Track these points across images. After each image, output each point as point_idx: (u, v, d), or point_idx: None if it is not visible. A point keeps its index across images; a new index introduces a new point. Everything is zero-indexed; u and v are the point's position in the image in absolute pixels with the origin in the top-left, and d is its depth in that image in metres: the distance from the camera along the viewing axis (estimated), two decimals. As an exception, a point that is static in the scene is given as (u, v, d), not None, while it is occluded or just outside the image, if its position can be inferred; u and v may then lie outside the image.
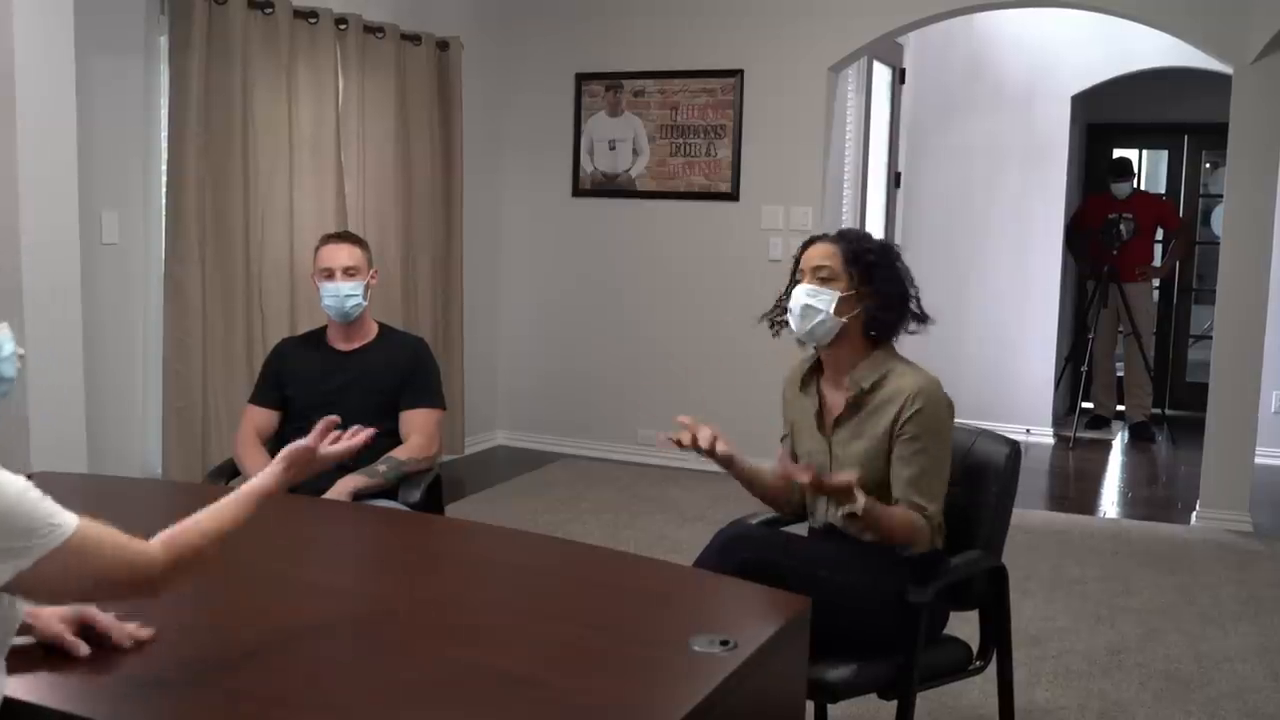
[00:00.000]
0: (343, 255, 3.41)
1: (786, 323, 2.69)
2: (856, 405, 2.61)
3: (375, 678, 1.73)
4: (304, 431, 3.34)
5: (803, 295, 2.61)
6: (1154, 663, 3.77)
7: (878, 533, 2.51)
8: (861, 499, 2.43)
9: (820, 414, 2.68)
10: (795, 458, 2.77)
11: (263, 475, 1.85)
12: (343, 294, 3.37)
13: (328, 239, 3.54)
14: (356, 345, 3.45)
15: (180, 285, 4.53)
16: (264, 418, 3.42)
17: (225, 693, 1.68)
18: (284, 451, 1.91)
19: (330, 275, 3.39)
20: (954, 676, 2.67)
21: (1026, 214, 7.45)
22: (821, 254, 2.63)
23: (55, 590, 1.57)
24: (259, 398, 3.47)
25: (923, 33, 6.85)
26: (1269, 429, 6.37)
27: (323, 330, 3.53)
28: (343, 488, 3.15)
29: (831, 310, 2.58)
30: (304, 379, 3.41)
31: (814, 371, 2.73)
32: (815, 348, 2.69)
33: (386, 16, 5.54)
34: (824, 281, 2.60)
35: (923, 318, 2.68)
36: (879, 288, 2.60)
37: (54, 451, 3.68)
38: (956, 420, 2.63)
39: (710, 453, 2.53)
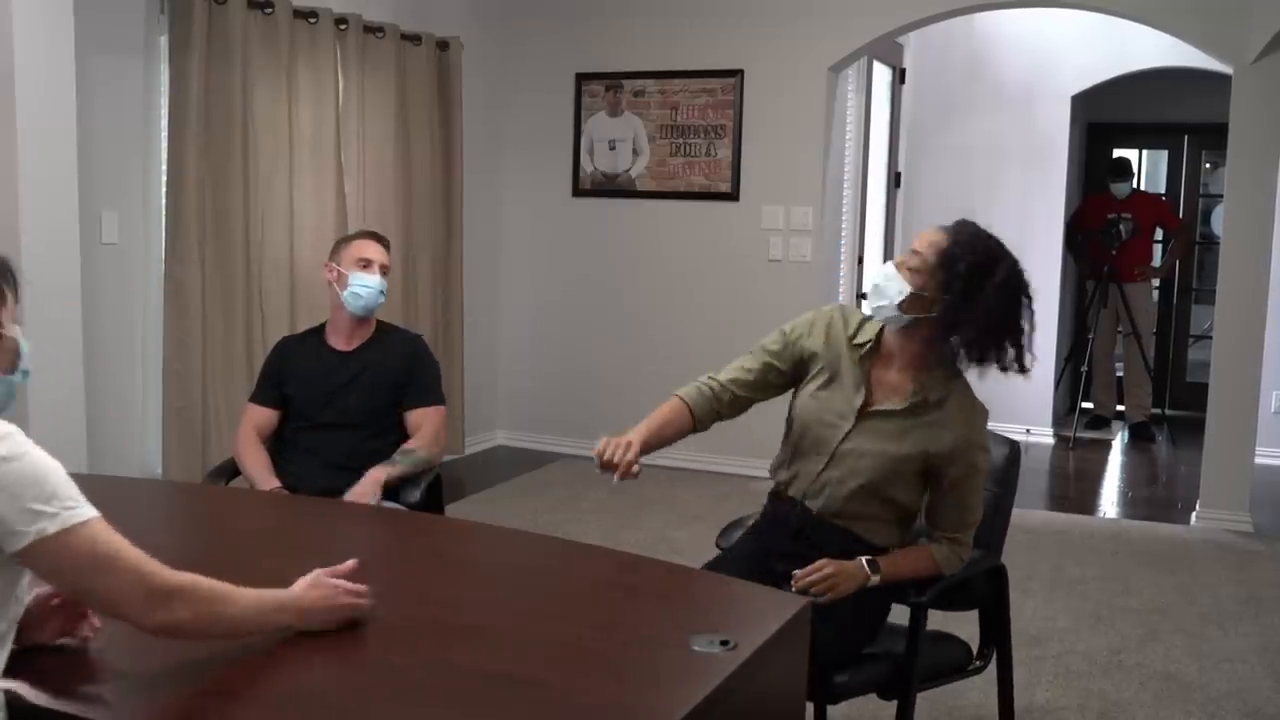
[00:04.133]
0: (378, 251, 3.42)
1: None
2: (915, 411, 2.43)
3: (375, 678, 1.73)
4: (304, 431, 3.36)
5: (879, 273, 2.44)
6: (1154, 663, 3.77)
7: (902, 579, 2.48)
8: (875, 577, 2.40)
9: (868, 392, 2.48)
10: (791, 401, 2.58)
11: (292, 593, 1.81)
12: (375, 286, 3.36)
13: (362, 233, 3.55)
14: (356, 344, 3.44)
15: (180, 285, 4.53)
16: (264, 416, 3.41)
17: (224, 693, 1.68)
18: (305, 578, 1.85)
19: (367, 265, 3.37)
20: (954, 676, 2.67)
21: (1026, 214, 7.43)
22: (925, 240, 2.43)
23: (61, 569, 1.59)
24: (259, 396, 3.46)
25: (923, 33, 6.85)
26: (1269, 429, 6.37)
27: (321, 329, 3.52)
28: (374, 478, 3.15)
29: (895, 302, 2.39)
30: (303, 378, 3.40)
31: (874, 349, 2.50)
32: (884, 327, 2.49)
33: (386, 16, 5.54)
34: (910, 270, 2.39)
35: (1019, 364, 2.39)
36: (963, 304, 2.33)
37: (54, 451, 3.62)
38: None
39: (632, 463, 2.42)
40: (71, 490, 1.60)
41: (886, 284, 2.41)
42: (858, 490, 2.48)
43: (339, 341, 3.44)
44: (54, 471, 1.60)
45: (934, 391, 2.44)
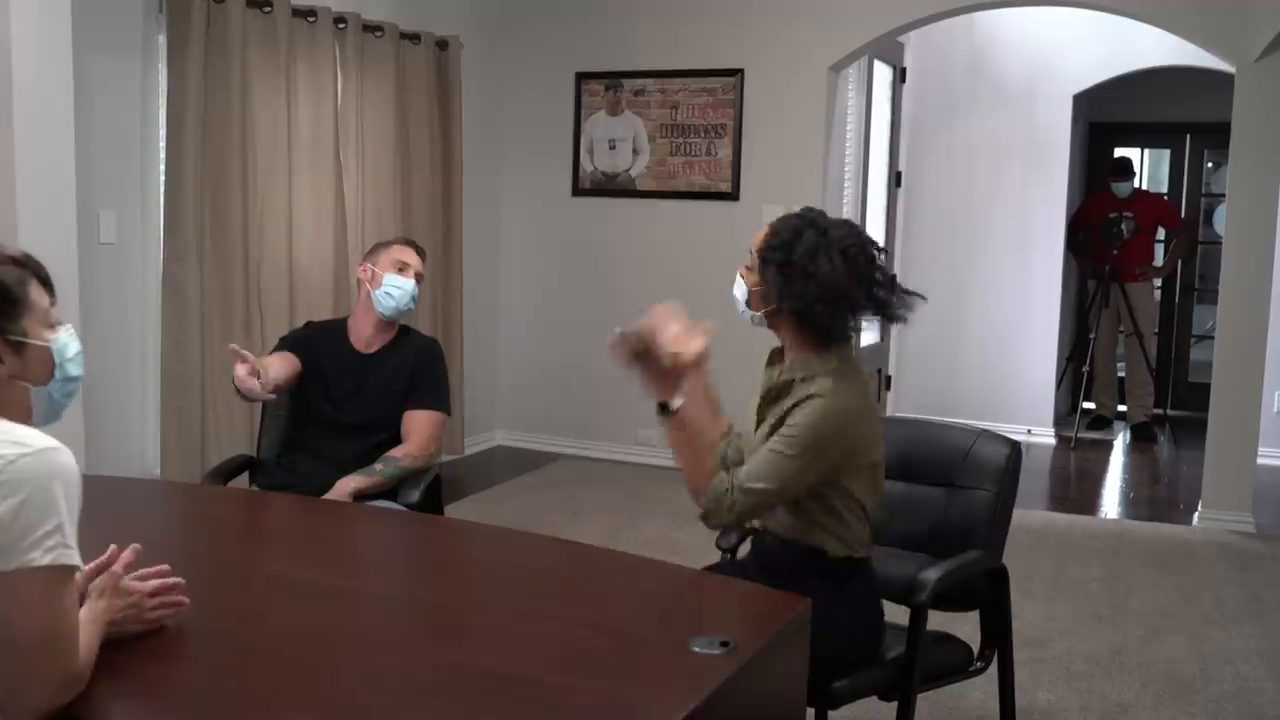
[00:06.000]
0: (416, 259, 3.45)
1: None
2: (779, 394, 2.43)
3: (375, 678, 1.72)
4: (314, 432, 3.33)
5: (736, 283, 2.51)
6: (1156, 664, 3.76)
7: (678, 449, 2.36)
8: (678, 400, 2.34)
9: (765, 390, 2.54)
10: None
11: (90, 609, 1.69)
12: (409, 289, 3.38)
13: (401, 240, 3.57)
14: (376, 348, 3.42)
15: (178, 285, 4.52)
16: (286, 357, 3.34)
17: (224, 693, 1.67)
18: (94, 585, 1.74)
19: (403, 269, 3.39)
20: (955, 678, 2.66)
21: (1028, 214, 7.44)
22: (756, 240, 2.47)
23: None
24: (282, 347, 3.41)
25: (923, 32, 6.84)
26: (1271, 429, 6.35)
27: (343, 324, 3.49)
28: (342, 488, 3.14)
29: (744, 303, 2.48)
30: (323, 373, 3.37)
31: (778, 355, 2.59)
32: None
33: (385, 15, 5.53)
34: (747, 271, 2.49)
35: (886, 315, 2.42)
36: (786, 285, 2.35)
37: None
38: (955, 420, 2.59)
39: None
40: (63, 530, 1.52)
41: (736, 291, 2.49)
42: None
43: (360, 343, 3.42)
44: (47, 503, 1.51)
45: (800, 371, 2.40)
